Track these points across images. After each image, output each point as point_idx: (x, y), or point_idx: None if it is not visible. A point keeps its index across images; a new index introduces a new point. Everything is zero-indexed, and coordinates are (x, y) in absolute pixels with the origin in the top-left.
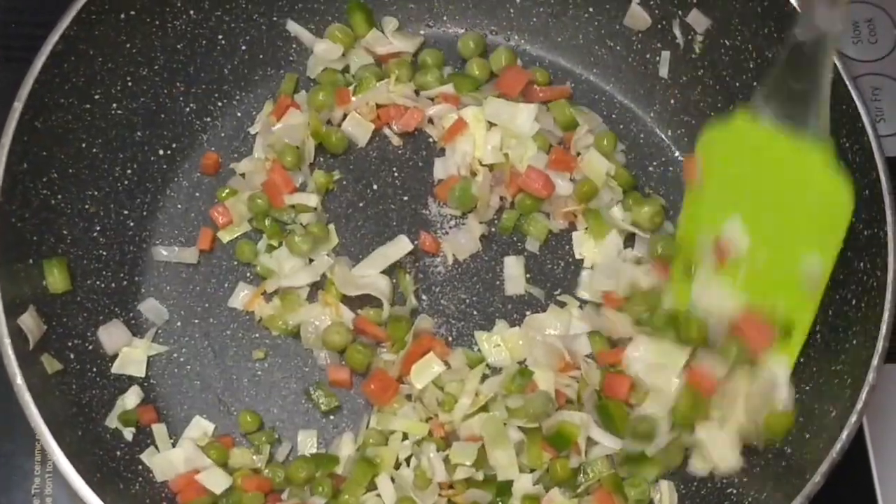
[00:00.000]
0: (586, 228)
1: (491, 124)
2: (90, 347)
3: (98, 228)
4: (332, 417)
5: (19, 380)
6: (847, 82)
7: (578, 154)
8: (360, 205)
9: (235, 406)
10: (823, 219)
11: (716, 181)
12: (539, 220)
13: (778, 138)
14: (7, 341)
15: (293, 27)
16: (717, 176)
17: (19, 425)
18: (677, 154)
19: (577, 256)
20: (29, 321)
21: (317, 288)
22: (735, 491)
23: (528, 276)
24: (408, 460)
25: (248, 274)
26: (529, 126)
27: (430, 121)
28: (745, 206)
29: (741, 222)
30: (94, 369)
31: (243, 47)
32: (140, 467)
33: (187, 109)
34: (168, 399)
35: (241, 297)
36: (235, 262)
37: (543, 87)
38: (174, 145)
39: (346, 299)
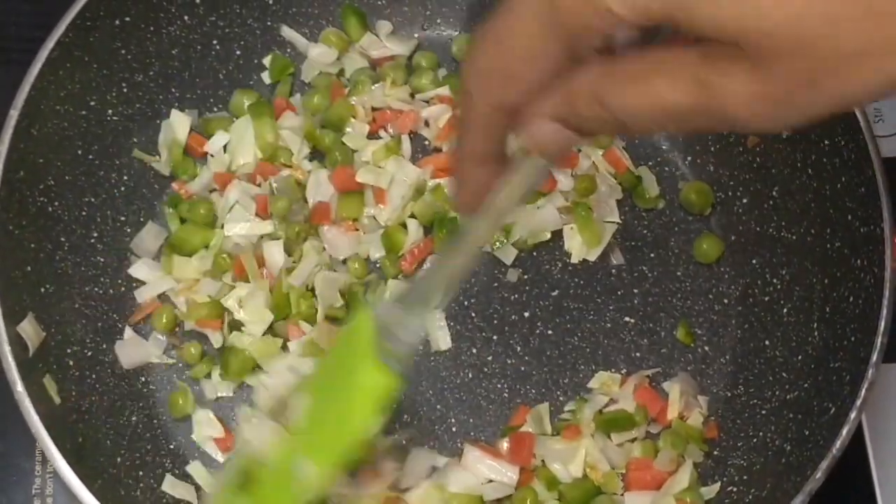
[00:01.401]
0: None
1: None
2: (89, 354)
3: (95, 235)
4: None
5: (20, 387)
6: None
7: (579, 150)
8: None
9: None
10: (340, 433)
11: (329, 355)
12: None
13: (369, 341)
14: (7, 348)
15: (287, 32)
16: (332, 351)
17: (18, 425)
18: (673, 154)
19: (566, 250)
20: (28, 328)
21: None
22: (735, 489)
23: (525, 276)
24: None
25: None
26: None
27: (426, 123)
28: (318, 391)
29: (309, 404)
30: (94, 376)
31: (238, 52)
32: (141, 473)
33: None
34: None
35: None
36: None
37: None
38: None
39: None
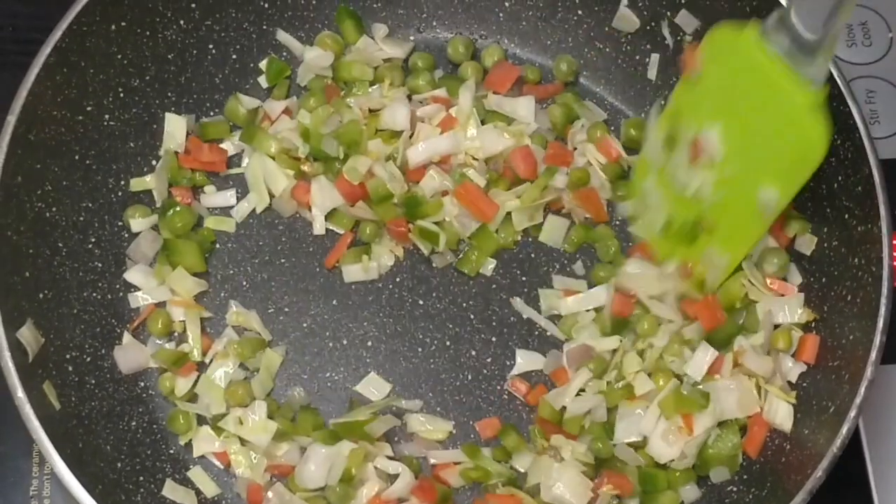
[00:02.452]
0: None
1: (484, 122)
2: (88, 359)
3: (93, 240)
4: None
5: (20, 393)
6: (838, 81)
7: (575, 148)
8: None
9: None
10: (793, 158)
11: (709, 81)
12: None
13: (776, 67)
14: (7, 354)
15: (283, 36)
16: (712, 76)
17: (15, 427)
18: None
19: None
20: (27, 334)
21: None
22: (735, 489)
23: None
24: None
25: (244, 283)
26: (533, 115)
27: (422, 121)
28: (728, 119)
29: (720, 132)
30: (93, 381)
31: (234, 56)
32: (141, 478)
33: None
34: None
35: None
36: (231, 271)
37: (534, 85)
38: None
39: None
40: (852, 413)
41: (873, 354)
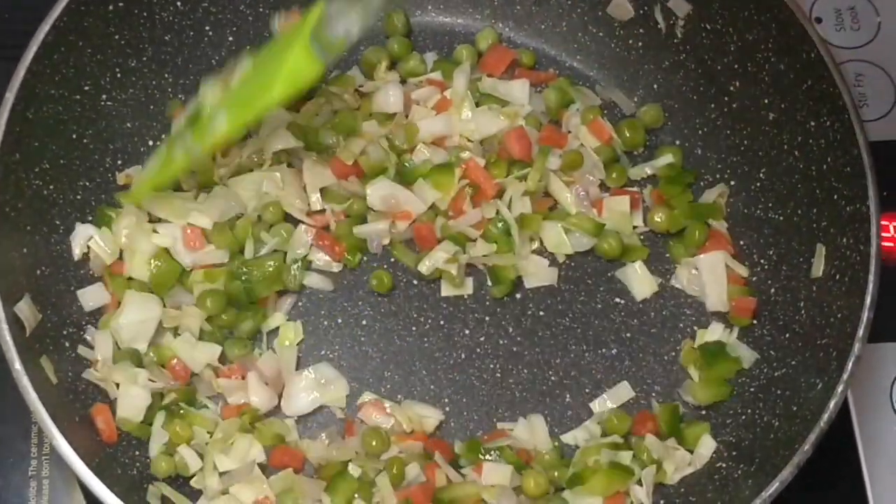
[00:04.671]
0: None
1: (478, 104)
2: (85, 335)
3: (90, 218)
4: None
5: (18, 365)
6: (828, 63)
7: (569, 132)
8: None
9: None
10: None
11: None
12: None
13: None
14: (5, 327)
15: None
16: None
17: (14, 408)
18: (660, 138)
19: None
20: (25, 309)
21: None
22: (724, 465)
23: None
24: None
25: None
26: (527, 97)
27: (417, 103)
28: (256, 61)
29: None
30: (89, 357)
31: (230, 38)
32: (137, 452)
33: (176, 100)
34: None
35: None
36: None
37: (528, 69)
38: (163, 136)
39: None
40: (839, 388)
41: (860, 331)
